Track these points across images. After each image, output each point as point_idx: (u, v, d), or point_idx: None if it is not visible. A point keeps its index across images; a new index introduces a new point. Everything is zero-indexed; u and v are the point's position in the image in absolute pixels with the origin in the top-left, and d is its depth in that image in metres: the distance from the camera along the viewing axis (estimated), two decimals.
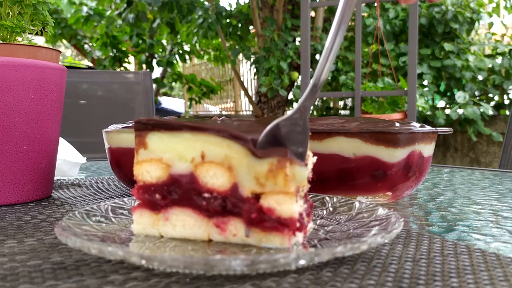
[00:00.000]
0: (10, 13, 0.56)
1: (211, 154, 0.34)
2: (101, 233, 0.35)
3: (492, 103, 4.03)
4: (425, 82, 3.89)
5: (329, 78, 4.10)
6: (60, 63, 0.61)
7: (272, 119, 0.56)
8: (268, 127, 0.35)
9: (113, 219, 0.40)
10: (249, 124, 0.40)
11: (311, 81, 0.38)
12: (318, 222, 0.40)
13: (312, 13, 4.15)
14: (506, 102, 4.11)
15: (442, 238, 0.38)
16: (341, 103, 4.67)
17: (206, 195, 0.34)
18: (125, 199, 0.44)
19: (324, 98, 4.71)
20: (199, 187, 0.34)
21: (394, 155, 0.50)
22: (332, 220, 0.40)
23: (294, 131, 0.36)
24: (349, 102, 4.57)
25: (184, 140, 0.35)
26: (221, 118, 0.61)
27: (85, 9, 5.03)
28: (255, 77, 4.62)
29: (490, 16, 4.17)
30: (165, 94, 7.69)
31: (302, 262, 0.28)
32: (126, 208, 0.42)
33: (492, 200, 0.58)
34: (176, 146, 0.35)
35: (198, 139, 0.34)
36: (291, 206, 0.32)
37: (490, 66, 3.92)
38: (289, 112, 0.37)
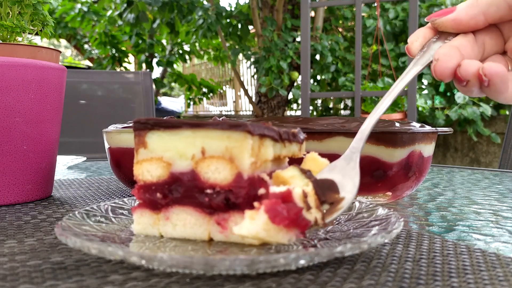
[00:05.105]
0: (10, 13, 0.56)
1: (212, 149, 0.34)
2: (101, 233, 0.35)
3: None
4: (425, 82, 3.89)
5: (329, 79, 4.10)
6: (60, 63, 0.61)
7: (272, 119, 0.56)
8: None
9: (113, 219, 0.40)
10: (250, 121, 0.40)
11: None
12: None
13: (312, 13, 4.15)
14: None
15: (442, 238, 0.38)
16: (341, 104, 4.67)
17: (208, 191, 0.34)
18: (125, 199, 0.44)
19: (324, 98, 4.70)
20: (201, 184, 0.34)
21: (394, 155, 0.50)
22: None
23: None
24: (349, 102, 4.57)
25: (184, 138, 0.35)
26: (221, 118, 0.61)
27: (78, 6, 5.01)
28: (254, 77, 4.61)
29: None
30: (165, 94, 7.70)
31: (302, 262, 0.28)
32: (126, 208, 0.42)
33: (492, 200, 0.58)
34: (176, 144, 0.35)
35: (197, 136, 0.34)
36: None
37: None
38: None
